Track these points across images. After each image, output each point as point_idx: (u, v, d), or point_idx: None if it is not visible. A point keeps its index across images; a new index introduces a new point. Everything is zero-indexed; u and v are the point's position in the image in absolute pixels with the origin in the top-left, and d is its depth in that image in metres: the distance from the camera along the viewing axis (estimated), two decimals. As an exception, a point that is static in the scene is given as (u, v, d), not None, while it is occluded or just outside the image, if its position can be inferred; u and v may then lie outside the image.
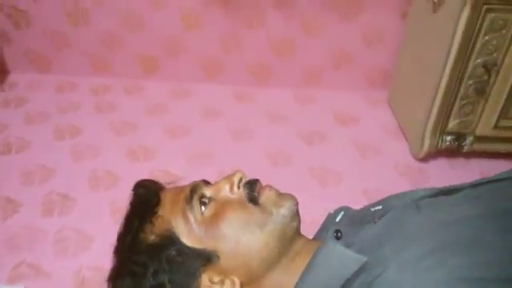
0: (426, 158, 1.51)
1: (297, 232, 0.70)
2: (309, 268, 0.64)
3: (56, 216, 1.29)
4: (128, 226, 0.71)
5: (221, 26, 1.73)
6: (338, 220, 0.79)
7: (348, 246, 0.65)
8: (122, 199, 0.78)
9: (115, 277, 0.70)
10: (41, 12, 1.72)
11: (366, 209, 0.77)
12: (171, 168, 1.44)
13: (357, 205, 0.84)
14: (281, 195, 0.71)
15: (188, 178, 0.79)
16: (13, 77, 1.86)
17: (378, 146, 1.59)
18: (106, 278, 0.71)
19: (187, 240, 0.66)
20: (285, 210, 0.68)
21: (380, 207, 0.74)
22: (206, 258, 0.65)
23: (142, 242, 0.68)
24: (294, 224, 0.68)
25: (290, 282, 0.65)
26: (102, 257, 0.77)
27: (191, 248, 0.66)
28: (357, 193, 1.38)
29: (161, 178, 0.81)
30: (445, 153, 1.52)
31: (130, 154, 1.51)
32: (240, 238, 0.65)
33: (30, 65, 1.86)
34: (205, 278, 0.65)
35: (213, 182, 0.75)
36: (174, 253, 0.66)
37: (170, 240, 0.66)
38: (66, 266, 1.16)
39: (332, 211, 0.83)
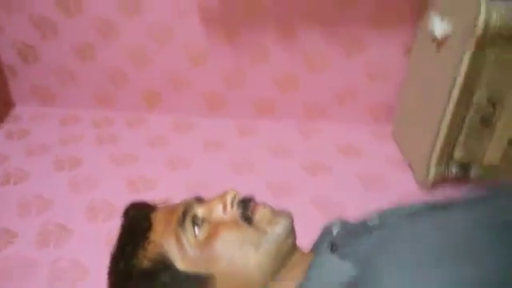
0: (431, 190, 1.47)
1: (292, 247, 0.68)
2: (305, 280, 0.62)
3: (52, 247, 1.26)
4: (120, 252, 0.69)
5: (224, 61, 1.74)
6: (334, 232, 0.77)
7: (343, 257, 0.63)
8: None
9: None
10: (48, 48, 1.76)
11: (363, 221, 0.75)
12: (171, 199, 1.42)
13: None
14: (275, 212, 0.69)
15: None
16: (18, 109, 1.88)
17: (382, 178, 1.56)
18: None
19: (182, 264, 0.64)
20: (280, 228, 0.66)
21: (377, 221, 0.72)
22: (201, 282, 0.63)
23: (136, 267, 0.65)
24: (289, 241, 0.67)
25: None
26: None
27: (186, 273, 0.63)
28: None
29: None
30: (451, 183, 1.47)
31: (130, 185, 1.49)
32: (235, 257, 0.63)
33: (35, 98, 1.88)
34: None
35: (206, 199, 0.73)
36: (168, 279, 0.63)
37: (163, 264, 0.64)
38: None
39: (328, 223, 0.81)
